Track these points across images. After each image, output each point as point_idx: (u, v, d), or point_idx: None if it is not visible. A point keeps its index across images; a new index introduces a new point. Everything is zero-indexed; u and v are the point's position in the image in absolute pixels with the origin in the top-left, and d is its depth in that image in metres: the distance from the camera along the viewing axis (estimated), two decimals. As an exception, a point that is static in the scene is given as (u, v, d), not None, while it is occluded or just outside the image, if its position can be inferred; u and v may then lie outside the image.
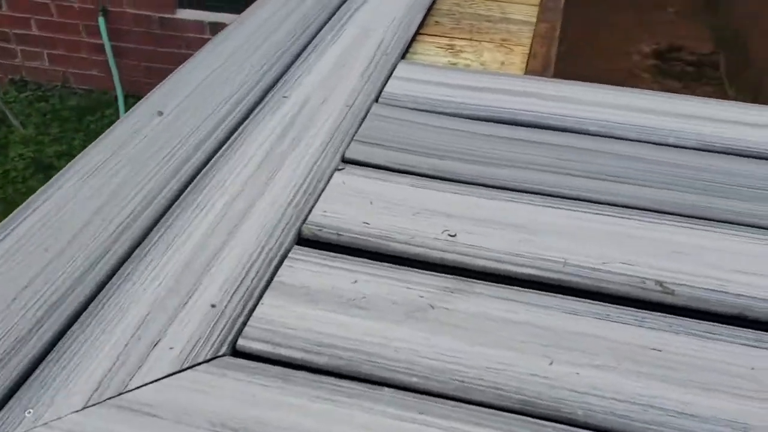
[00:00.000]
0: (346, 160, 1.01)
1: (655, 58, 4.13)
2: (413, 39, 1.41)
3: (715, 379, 0.71)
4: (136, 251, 0.83)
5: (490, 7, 1.59)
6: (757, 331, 0.77)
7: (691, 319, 0.78)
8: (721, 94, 3.40)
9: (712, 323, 0.77)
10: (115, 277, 0.79)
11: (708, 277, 0.83)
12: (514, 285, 0.81)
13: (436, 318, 0.76)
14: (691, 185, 0.98)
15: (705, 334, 0.76)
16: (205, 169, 0.97)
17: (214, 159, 0.99)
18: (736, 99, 1.86)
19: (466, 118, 1.12)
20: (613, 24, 4.45)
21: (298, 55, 1.29)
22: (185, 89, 1.16)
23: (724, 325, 0.77)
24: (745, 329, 0.77)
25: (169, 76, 1.20)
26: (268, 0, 1.52)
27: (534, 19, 1.54)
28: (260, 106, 1.13)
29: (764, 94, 1.60)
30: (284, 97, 1.15)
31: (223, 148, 1.02)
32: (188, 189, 0.93)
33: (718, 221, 0.92)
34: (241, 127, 1.07)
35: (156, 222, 0.87)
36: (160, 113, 1.08)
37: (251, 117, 1.10)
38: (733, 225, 0.91)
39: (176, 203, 0.91)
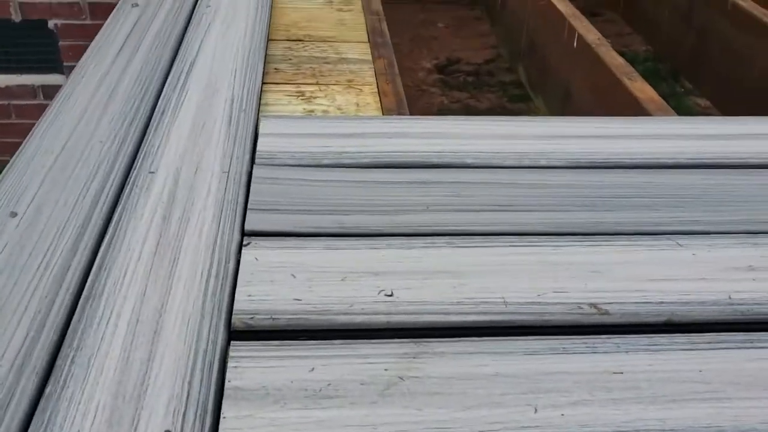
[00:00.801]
0: (247, 233, 0.94)
1: (438, 72, 4.40)
2: (261, 90, 1.35)
3: (675, 389, 0.75)
4: (49, 388, 0.70)
5: (323, 49, 1.58)
6: (687, 334, 0.83)
7: (631, 335, 0.82)
8: (527, 104, 3.68)
9: (650, 335, 0.82)
10: (32, 426, 0.66)
11: (629, 291, 0.88)
12: (468, 336, 0.80)
13: (410, 390, 0.72)
14: (580, 203, 1.04)
15: (649, 347, 0.80)
16: (92, 273, 0.85)
17: (98, 259, 0.87)
18: (545, 108, 2.03)
19: (351, 167, 1.10)
20: (393, 44, 4.64)
21: (149, 121, 1.18)
22: (33, 181, 1.00)
23: (661, 335, 0.83)
24: (677, 335, 0.83)
25: (6, 169, 1.04)
26: (88, 64, 1.37)
27: (369, 57, 1.55)
28: (128, 188, 1.01)
29: (573, 104, 1.76)
30: (151, 172, 1.05)
31: (104, 243, 0.90)
32: (82, 300, 0.81)
33: (612, 234, 0.98)
34: (115, 216, 0.95)
35: (59, 346, 0.74)
36: (14, 214, 0.93)
37: (122, 202, 0.98)
38: (627, 236, 0.98)
39: (75, 319, 0.78)
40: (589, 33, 1.69)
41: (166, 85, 1.31)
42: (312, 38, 1.62)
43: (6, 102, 3.04)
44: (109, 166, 1.05)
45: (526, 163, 1.13)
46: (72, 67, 2.87)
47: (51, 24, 2.85)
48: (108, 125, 1.16)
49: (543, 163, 1.14)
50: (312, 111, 1.32)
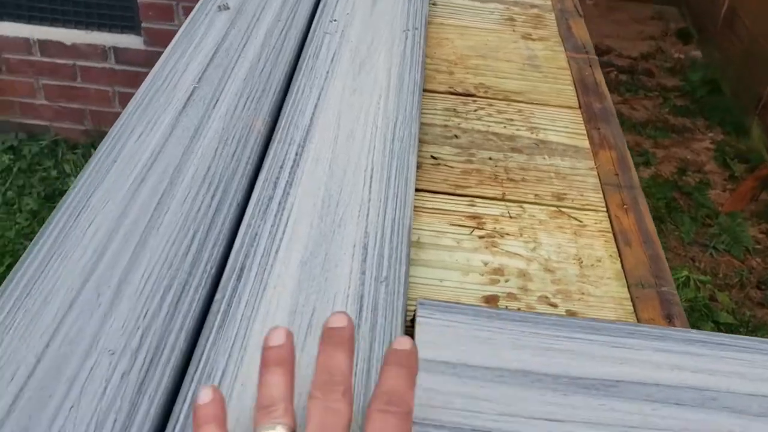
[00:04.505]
0: None
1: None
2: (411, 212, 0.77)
3: None
4: None
5: (509, 119, 0.97)
6: None
7: None
8: (693, 120, 2.98)
9: None
10: None
11: None
12: None
13: None
14: None
15: None
16: None
17: None
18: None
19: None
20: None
21: (205, 315, 0.63)
22: None
23: None
24: None
25: None
26: (134, 126, 0.82)
27: (585, 141, 0.94)
28: None
29: None
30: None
31: None
32: None
33: None
34: None
35: None
36: None
37: None
38: None
39: None
40: None
41: (253, 204, 0.74)
42: (489, 92, 1.01)
43: (71, 62, 2.55)
44: None
45: None
46: (152, 30, 2.34)
47: (129, -24, 2.31)
48: (119, 324, 0.61)
49: None
50: (499, 272, 0.74)
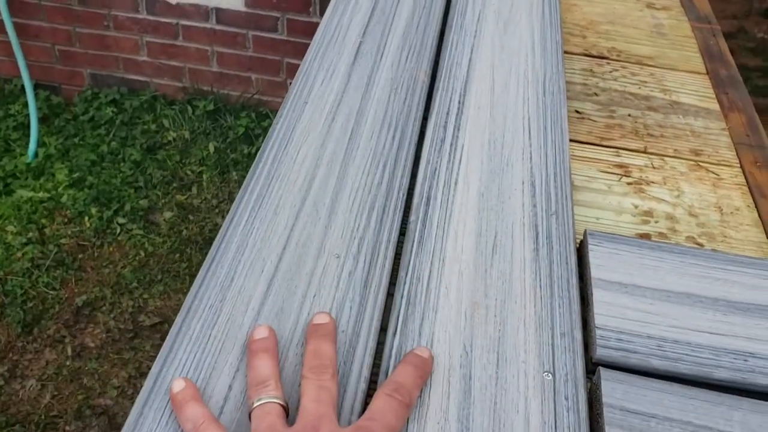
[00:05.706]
0: None
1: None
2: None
3: None
4: None
5: (642, 80, 1.04)
6: None
7: None
8: None
9: None
10: None
11: None
12: None
13: None
14: None
15: None
16: None
17: None
18: None
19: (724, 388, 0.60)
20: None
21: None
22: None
23: None
24: None
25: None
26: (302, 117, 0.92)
27: (715, 104, 1.01)
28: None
29: None
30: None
31: None
32: None
33: None
34: None
35: None
36: None
37: None
38: None
39: None
40: None
41: (428, 144, 0.84)
42: (621, 56, 1.08)
43: (174, 21, 2.68)
44: (355, 331, 0.61)
45: None
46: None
47: (237, -60, 2.41)
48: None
49: None
50: (649, 214, 0.82)
